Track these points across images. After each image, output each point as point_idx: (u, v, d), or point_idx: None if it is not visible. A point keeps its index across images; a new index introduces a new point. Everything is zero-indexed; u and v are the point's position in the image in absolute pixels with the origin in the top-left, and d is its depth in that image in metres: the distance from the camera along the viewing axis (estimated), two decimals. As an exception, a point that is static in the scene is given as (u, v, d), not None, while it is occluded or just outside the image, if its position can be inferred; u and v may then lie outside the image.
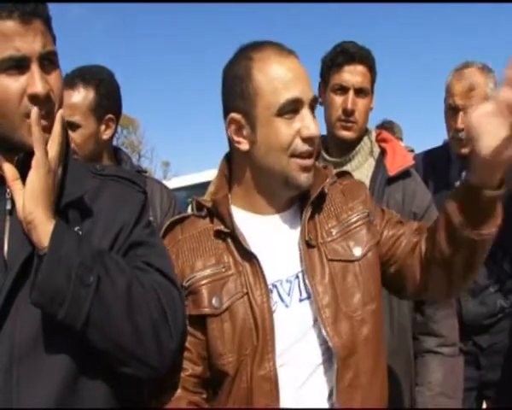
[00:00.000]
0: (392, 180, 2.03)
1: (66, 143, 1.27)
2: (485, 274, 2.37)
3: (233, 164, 1.43)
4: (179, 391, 1.29)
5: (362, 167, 2.10)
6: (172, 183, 5.90)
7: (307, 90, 1.31)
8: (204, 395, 1.34)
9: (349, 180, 1.49)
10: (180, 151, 55.39)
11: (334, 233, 1.36)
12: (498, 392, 2.36)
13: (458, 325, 2.09)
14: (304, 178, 1.32)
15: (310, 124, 1.29)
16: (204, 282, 1.31)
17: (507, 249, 2.34)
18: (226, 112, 1.37)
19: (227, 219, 1.34)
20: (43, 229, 1.12)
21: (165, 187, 2.41)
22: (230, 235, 1.34)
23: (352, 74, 2.03)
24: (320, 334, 1.27)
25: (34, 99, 1.16)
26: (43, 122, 1.17)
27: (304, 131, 1.29)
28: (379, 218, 1.44)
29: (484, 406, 2.56)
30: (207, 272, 1.32)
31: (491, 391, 2.41)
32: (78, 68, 2.18)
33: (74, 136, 2.09)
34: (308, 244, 1.33)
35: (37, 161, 1.13)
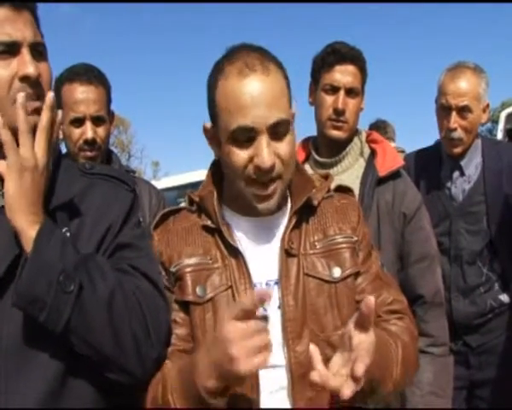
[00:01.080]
0: (382, 181, 2.04)
1: (52, 139, 1.26)
2: (476, 274, 2.38)
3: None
4: (169, 364, 1.26)
5: (352, 168, 2.10)
6: (162, 183, 5.89)
7: (267, 115, 1.21)
8: None
9: (347, 200, 1.44)
10: (170, 151, 55.32)
11: (317, 247, 1.34)
12: (494, 390, 2.37)
13: (448, 324, 2.11)
14: (262, 207, 1.28)
15: (261, 153, 1.21)
16: (189, 269, 1.32)
17: (497, 250, 2.35)
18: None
19: (212, 215, 1.34)
20: (26, 235, 1.12)
21: (154, 187, 2.42)
22: (217, 230, 1.34)
23: (343, 74, 2.03)
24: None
25: (25, 80, 1.16)
26: (35, 103, 1.18)
27: (255, 160, 1.22)
28: (363, 255, 1.38)
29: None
30: (194, 260, 1.32)
31: (481, 390, 2.42)
32: (83, 65, 2.19)
33: (100, 130, 2.13)
34: (288, 253, 1.31)
35: (9, 165, 1.13)
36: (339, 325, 1.28)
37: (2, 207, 1.17)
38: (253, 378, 1.22)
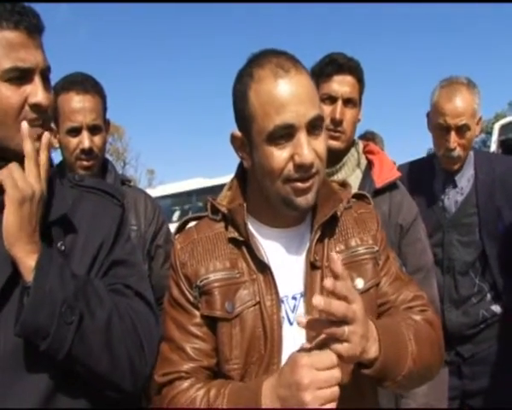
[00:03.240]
0: (378, 192, 2.04)
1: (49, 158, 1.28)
2: (468, 285, 2.39)
3: (247, 174, 1.42)
4: (186, 384, 1.29)
5: (349, 179, 2.09)
6: (157, 191, 5.90)
7: (304, 112, 1.23)
8: None
9: (364, 209, 1.45)
10: (165, 159, 55.26)
11: (340, 258, 1.32)
12: (487, 400, 2.38)
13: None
14: (301, 201, 1.28)
15: (302, 150, 1.22)
16: (218, 284, 1.31)
17: (489, 261, 2.36)
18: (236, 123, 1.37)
19: (242, 229, 1.33)
20: (25, 264, 1.14)
21: (149, 196, 2.42)
22: (245, 243, 1.33)
23: (341, 84, 2.04)
24: None
25: (36, 108, 1.18)
26: (40, 130, 1.20)
27: (296, 157, 1.23)
28: (382, 262, 1.40)
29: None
30: (222, 274, 1.32)
31: (473, 400, 2.43)
32: (79, 74, 2.19)
33: (96, 139, 2.13)
34: (313, 265, 1.32)
35: (8, 196, 1.14)
36: None
37: None
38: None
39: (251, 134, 1.28)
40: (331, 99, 2.05)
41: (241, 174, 1.42)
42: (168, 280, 1.40)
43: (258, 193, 1.34)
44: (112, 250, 1.31)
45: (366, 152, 2.16)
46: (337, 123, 2.04)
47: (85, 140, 2.08)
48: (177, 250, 1.38)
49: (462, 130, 2.31)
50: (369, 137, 4.51)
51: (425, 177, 2.52)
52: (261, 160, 1.27)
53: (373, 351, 1.16)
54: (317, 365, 1.08)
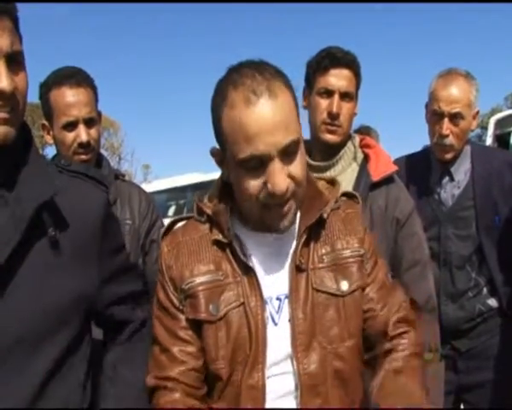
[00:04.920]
0: (375, 186, 2.04)
1: (28, 138, 1.27)
2: (464, 279, 2.39)
3: None
4: (177, 395, 1.31)
5: (345, 172, 2.10)
6: (153, 186, 5.88)
7: (275, 141, 1.17)
8: (203, 391, 1.34)
9: (352, 208, 1.43)
10: (161, 154, 55.17)
11: (325, 260, 1.34)
12: (485, 394, 2.38)
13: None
14: (278, 225, 1.26)
15: (274, 179, 1.18)
16: (202, 288, 1.31)
17: (485, 255, 2.37)
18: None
19: (225, 231, 1.32)
20: None
21: (143, 190, 2.41)
22: (229, 245, 1.33)
23: (338, 78, 2.03)
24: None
25: None
26: (6, 115, 1.15)
27: (268, 186, 1.19)
28: (370, 266, 1.39)
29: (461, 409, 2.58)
30: (206, 277, 1.32)
31: (469, 395, 2.44)
32: (69, 68, 2.17)
33: (92, 132, 2.11)
34: (298, 268, 1.31)
35: None
36: (346, 337, 1.31)
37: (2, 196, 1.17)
38: (260, 385, 1.26)
39: (226, 154, 1.27)
40: (328, 93, 2.04)
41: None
42: (156, 283, 1.41)
43: (244, 203, 1.32)
44: (104, 238, 1.31)
45: (362, 146, 2.15)
46: (334, 117, 2.03)
47: (82, 134, 2.07)
48: (163, 253, 1.38)
49: (455, 117, 2.31)
50: (364, 131, 4.50)
51: (421, 170, 2.52)
52: (237, 182, 1.25)
53: None
54: None
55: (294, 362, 1.26)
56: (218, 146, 1.31)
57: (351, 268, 1.35)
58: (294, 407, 1.26)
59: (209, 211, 1.37)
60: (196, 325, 1.32)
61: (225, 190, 1.37)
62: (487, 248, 2.36)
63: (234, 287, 1.30)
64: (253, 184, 1.21)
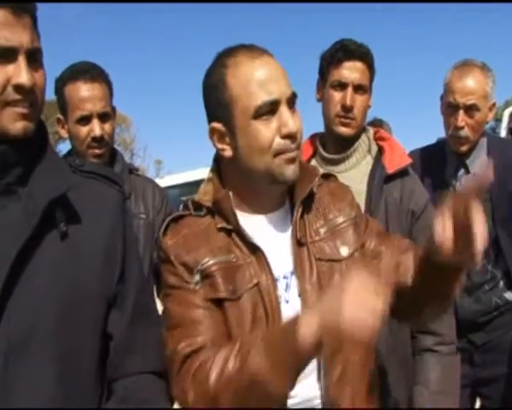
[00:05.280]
0: (390, 178, 2.03)
1: (44, 135, 1.28)
2: (480, 272, 2.37)
3: (221, 168, 1.44)
4: (213, 350, 1.25)
5: (359, 165, 2.10)
6: (165, 181, 5.88)
7: (283, 88, 1.30)
8: None
9: (335, 183, 1.52)
10: (173, 149, 55.27)
11: (321, 233, 1.39)
12: (501, 388, 2.37)
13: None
14: (290, 171, 1.32)
15: (288, 120, 1.29)
16: (217, 267, 1.31)
17: (501, 248, 2.35)
18: (209, 121, 1.39)
19: (230, 216, 1.34)
20: None
21: (157, 185, 2.42)
22: (234, 231, 1.35)
23: (351, 71, 2.02)
24: None
25: (19, 89, 1.15)
26: (26, 110, 1.17)
27: (282, 129, 1.29)
28: (363, 225, 1.46)
29: (477, 403, 2.57)
30: (220, 258, 1.32)
31: (485, 388, 2.42)
32: (84, 63, 2.19)
33: (106, 127, 2.13)
34: (299, 243, 1.36)
35: None
36: None
37: (8, 191, 1.18)
38: None
39: (233, 119, 1.32)
40: (341, 86, 2.03)
41: (217, 169, 1.45)
42: (161, 277, 1.38)
43: (238, 182, 1.37)
44: (123, 237, 1.31)
45: (377, 138, 2.14)
46: (347, 109, 2.02)
47: (96, 128, 2.08)
48: (168, 246, 1.36)
49: (471, 109, 2.29)
50: (376, 124, 4.47)
51: (436, 163, 2.50)
52: (248, 139, 1.31)
53: None
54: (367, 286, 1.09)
55: None
56: (214, 124, 1.36)
57: (347, 232, 1.41)
58: (316, 380, 1.29)
59: (208, 203, 1.39)
60: (217, 306, 1.31)
61: (220, 180, 1.42)
62: (503, 241, 2.34)
63: (246, 268, 1.32)
64: (268, 131, 1.29)
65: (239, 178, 1.37)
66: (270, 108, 1.28)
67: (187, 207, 1.42)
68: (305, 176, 1.39)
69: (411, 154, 2.54)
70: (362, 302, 1.06)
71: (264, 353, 1.14)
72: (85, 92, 2.08)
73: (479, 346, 2.41)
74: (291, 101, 1.31)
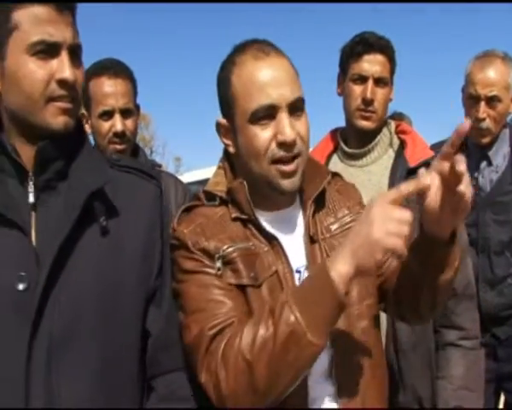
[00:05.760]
0: (412, 172, 2.00)
1: (82, 130, 1.30)
2: (504, 265, 2.36)
3: (232, 161, 1.43)
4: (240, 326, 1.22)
5: (381, 159, 2.08)
6: (185, 177, 5.89)
7: (286, 93, 1.27)
8: None
9: (341, 182, 1.51)
10: (192, 146, 55.44)
11: (332, 230, 1.39)
12: None
13: (477, 317, 2.08)
14: (286, 184, 1.30)
15: (284, 128, 1.25)
16: (238, 254, 1.30)
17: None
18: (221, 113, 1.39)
19: (245, 206, 1.33)
20: None
21: (180, 181, 2.43)
22: (250, 221, 1.34)
23: (372, 64, 2.01)
24: None
25: (63, 84, 1.18)
26: (68, 105, 1.20)
27: (278, 136, 1.26)
28: None
29: (502, 398, 2.54)
30: (240, 245, 1.31)
31: (509, 383, 2.40)
32: (109, 59, 2.21)
33: (128, 123, 2.14)
34: (312, 239, 1.35)
35: None
36: (365, 297, 1.36)
37: (30, 204, 1.19)
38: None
39: (234, 118, 1.31)
40: (362, 79, 2.02)
41: (228, 161, 1.44)
42: (174, 265, 1.35)
43: (246, 178, 1.35)
44: (162, 231, 1.34)
45: (399, 132, 2.12)
46: (368, 103, 2.01)
47: (118, 123, 2.10)
48: (184, 235, 1.33)
49: (492, 100, 2.28)
50: (397, 118, 4.43)
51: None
52: (245, 141, 1.30)
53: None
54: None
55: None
56: (220, 119, 1.37)
57: None
58: (325, 380, 1.29)
59: (222, 193, 1.37)
60: (239, 292, 1.29)
61: (233, 170, 1.41)
62: None
63: (264, 257, 1.30)
64: (264, 137, 1.27)
65: (245, 174, 1.36)
66: (268, 113, 1.26)
67: (199, 199, 1.41)
68: (316, 174, 1.39)
69: (433, 147, 2.52)
70: (388, 215, 1.10)
71: (299, 308, 1.13)
72: (108, 88, 2.10)
73: (503, 340, 2.39)
74: (294, 106, 1.28)
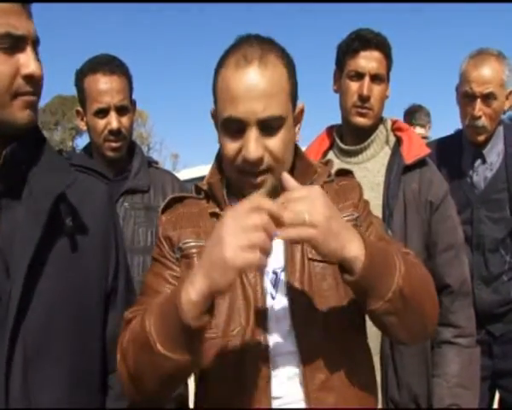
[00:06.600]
0: (408, 169, 2.01)
1: (39, 129, 1.28)
2: (498, 262, 2.36)
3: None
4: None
5: (377, 156, 2.08)
6: (182, 174, 5.89)
7: (257, 109, 1.19)
8: None
9: (347, 180, 1.42)
10: (189, 143, 55.42)
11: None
12: None
13: (472, 314, 2.08)
14: (254, 194, 1.23)
15: (248, 147, 1.20)
16: (197, 251, 1.27)
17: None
18: None
19: (221, 202, 1.33)
20: None
21: (176, 178, 2.43)
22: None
23: (368, 60, 2.00)
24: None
25: (29, 79, 1.15)
26: (33, 98, 1.18)
27: (242, 152, 1.22)
28: (364, 228, 1.34)
29: (497, 395, 2.54)
30: (202, 243, 1.28)
31: (505, 380, 2.40)
32: (104, 55, 2.19)
33: (124, 120, 2.14)
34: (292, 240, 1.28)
35: None
36: (345, 305, 1.25)
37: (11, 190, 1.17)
38: (265, 366, 1.19)
39: (216, 113, 1.29)
40: (358, 75, 2.01)
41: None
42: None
43: (228, 175, 1.33)
44: (114, 228, 1.36)
45: (395, 129, 2.12)
46: (364, 99, 2.00)
47: (113, 121, 2.09)
48: (162, 222, 1.36)
49: (488, 98, 2.27)
50: (414, 109, 4.40)
51: (453, 154, 2.48)
52: (220, 143, 1.28)
53: (356, 247, 1.08)
54: (239, 212, 1.03)
55: (295, 337, 1.21)
56: (213, 106, 1.34)
57: None
58: (298, 387, 1.21)
59: (205, 187, 1.37)
60: None
61: (219, 165, 1.38)
62: None
63: None
64: (231, 147, 1.24)
65: (227, 172, 1.34)
66: (237, 126, 1.22)
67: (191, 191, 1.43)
68: (304, 174, 1.34)
69: (429, 144, 2.52)
70: (238, 226, 1.01)
71: (154, 315, 1.10)
72: (104, 85, 2.09)
73: (497, 337, 2.39)
74: (266, 124, 1.21)
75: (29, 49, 1.15)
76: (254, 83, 1.20)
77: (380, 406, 1.90)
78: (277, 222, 1.03)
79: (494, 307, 2.37)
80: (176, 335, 1.06)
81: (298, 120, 1.33)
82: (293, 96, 1.29)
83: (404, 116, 4.43)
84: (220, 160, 1.38)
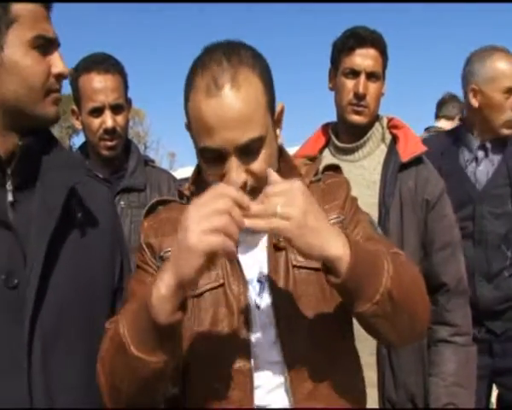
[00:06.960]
0: (404, 167, 2.00)
1: (49, 131, 1.33)
2: (500, 258, 2.35)
3: None
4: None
5: (373, 154, 2.07)
6: (178, 173, 5.88)
7: (235, 136, 1.13)
8: None
9: (334, 179, 1.36)
10: (186, 142, 55.26)
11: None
12: None
13: (472, 310, 2.07)
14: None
15: (230, 175, 1.15)
16: None
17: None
18: None
19: None
20: None
21: (173, 177, 2.42)
22: None
23: (364, 58, 1.99)
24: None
25: (59, 78, 1.24)
26: (59, 95, 1.26)
27: (225, 179, 1.16)
28: (350, 229, 1.28)
29: (494, 393, 2.54)
30: None
31: (504, 378, 2.39)
32: (99, 54, 2.20)
33: (119, 119, 2.14)
34: (276, 247, 1.25)
35: None
36: (332, 312, 1.22)
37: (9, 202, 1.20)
38: (247, 377, 1.17)
39: (192, 138, 1.25)
40: (354, 73, 2.01)
41: None
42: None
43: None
44: (118, 228, 1.42)
45: (391, 127, 2.11)
46: (360, 97, 1.99)
47: (108, 119, 2.09)
48: (144, 227, 1.33)
49: None
50: (443, 100, 4.34)
51: (452, 149, 2.48)
52: (201, 168, 1.25)
53: (339, 246, 1.04)
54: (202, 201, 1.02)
55: (280, 346, 1.19)
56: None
57: None
58: (284, 397, 1.18)
59: (188, 193, 1.34)
60: None
61: (200, 170, 1.33)
62: None
63: (213, 268, 1.19)
64: (212, 173, 1.19)
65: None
66: (216, 155, 1.16)
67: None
68: (286, 174, 1.25)
69: (429, 140, 2.53)
70: (201, 212, 1.00)
71: (127, 317, 1.09)
72: (98, 83, 2.08)
73: (498, 335, 2.38)
74: (246, 149, 1.15)
75: (57, 51, 1.24)
76: (229, 110, 1.13)
77: (377, 405, 1.91)
78: (247, 214, 1.02)
79: (495, 303, 2.36)
80: (149, 335, 1.04)
81: (278, 121, 1.28)
82: (271, 105, 1.23)
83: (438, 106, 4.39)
84: (198, 170, 1.34)
